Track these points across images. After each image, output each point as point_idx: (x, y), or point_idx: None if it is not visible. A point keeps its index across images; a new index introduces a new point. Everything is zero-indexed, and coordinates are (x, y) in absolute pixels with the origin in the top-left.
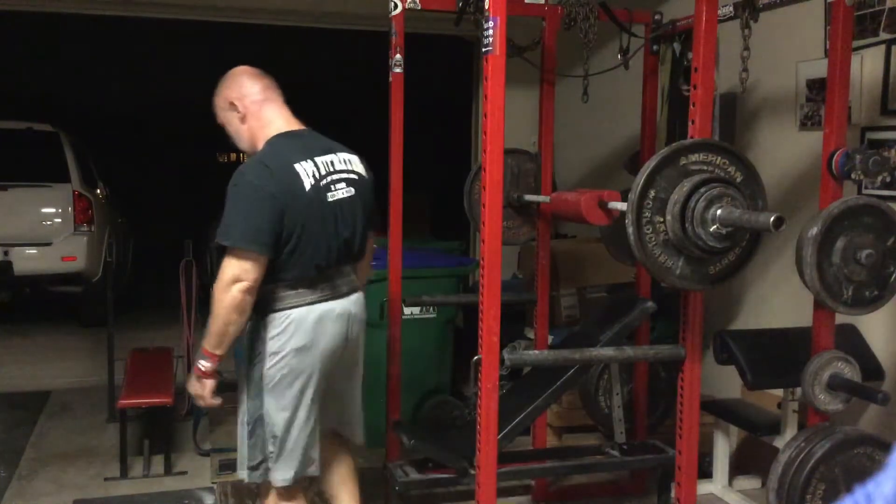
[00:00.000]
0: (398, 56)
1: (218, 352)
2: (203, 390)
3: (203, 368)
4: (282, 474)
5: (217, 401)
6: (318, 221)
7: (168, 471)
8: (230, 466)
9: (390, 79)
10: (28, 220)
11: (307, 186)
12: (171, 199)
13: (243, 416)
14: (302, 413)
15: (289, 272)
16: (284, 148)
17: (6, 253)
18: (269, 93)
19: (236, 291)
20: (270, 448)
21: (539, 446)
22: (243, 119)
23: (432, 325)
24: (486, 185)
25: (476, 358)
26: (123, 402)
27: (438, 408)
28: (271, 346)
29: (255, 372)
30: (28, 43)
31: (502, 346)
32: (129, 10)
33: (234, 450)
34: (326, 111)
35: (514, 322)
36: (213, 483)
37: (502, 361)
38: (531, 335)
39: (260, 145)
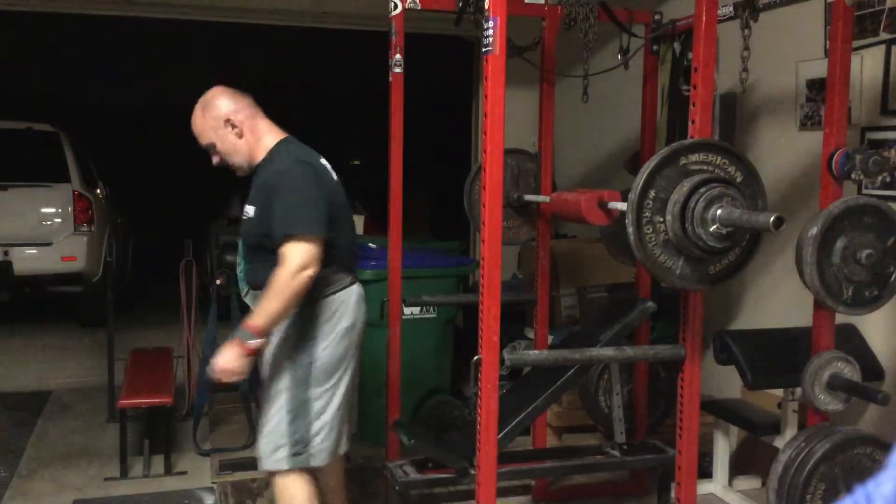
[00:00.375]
0: (398, 56)
1: (266, 333)
2: (244, 367)
3: (252, 346)
4: (323, 454)
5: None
6: (344, 210)
7: (168, 471)
8: (230, 466)
9: (390, 79)
10: (28, 220)
11: (335, 178)
12: (171, 199)
13: (284, 404)
14: (343, 391)
15: (332, 258)
16: (302, 149)
17: (6, 253)
18: (255, 107)
19: (305, 277)
20: (315, 430)
21: (539, 446)
22: (240, 134)
23: (432, 325)
24: (486, 185)
25: (476, 358)
26: (123, 402)
27: (438, 408)
28: (325, 329)
29: (304, 358)
30: (28, 43)
31: (502, 346)
32: (129, 10)
33: (235, 450)
34: (326, 111)
35: (514, 322)
36: (213, 483)
37: (502, 361)
38: (531, 335)
39: (258, 157)
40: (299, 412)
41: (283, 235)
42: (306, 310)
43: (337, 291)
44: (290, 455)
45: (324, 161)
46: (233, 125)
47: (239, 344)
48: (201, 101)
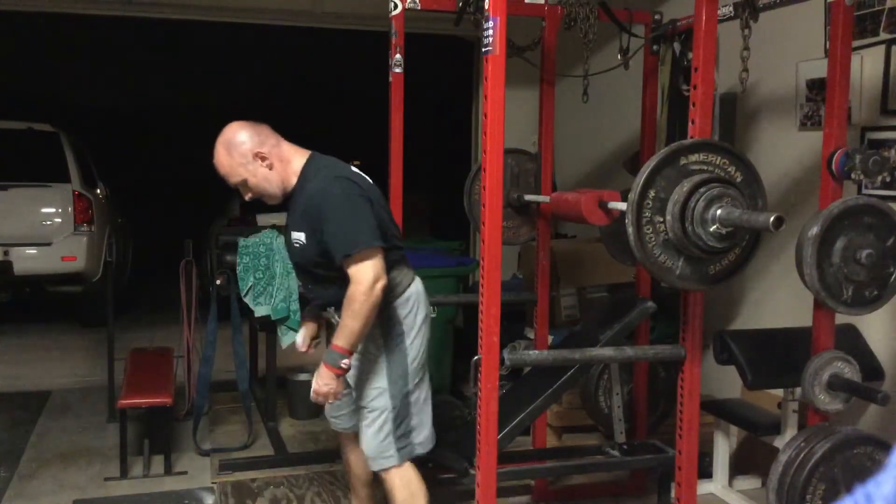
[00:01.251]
0: (398, 56)
1: (353, 351)
2: (339, 387)
3: (344, 366)
4: (425, 442)
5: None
6: (386, 209)
7: (168, 471)
8: (230, 466)
9: (390, 79)
10: (28, 220)
11: (369, 181)
12: (171, 199)
13: (387, 403)
14: (428, 378)
15: (392, 259)
16: (329, 162)
17: (6, 253)
18: (275, 133)
19: (378, 291)
20: (416, 421)
21: (539, 446)
22: (271, 166)
23: (432, 325)
24: (486, 185)
25: (476, 358)
26: (123, 402)
27: (438, 408)
28: (408, 323)
29: (398, 354)
30: (28, 43)
31: (502, 346)
32: (129, 10)
33: (235, 449)
34: (326, 111)
35: (514, 322)
36: (213, 483)
37: (502, 361)
38: (531, 335)
39: (291, 183)
40: (401, 408)
41: (345, 256)
42: (386, 311)
43: (408, 287)
44: (397, 451)
45: (353, 168)
46: (262, 158)
47: (331, 367)
48: (222, 141)
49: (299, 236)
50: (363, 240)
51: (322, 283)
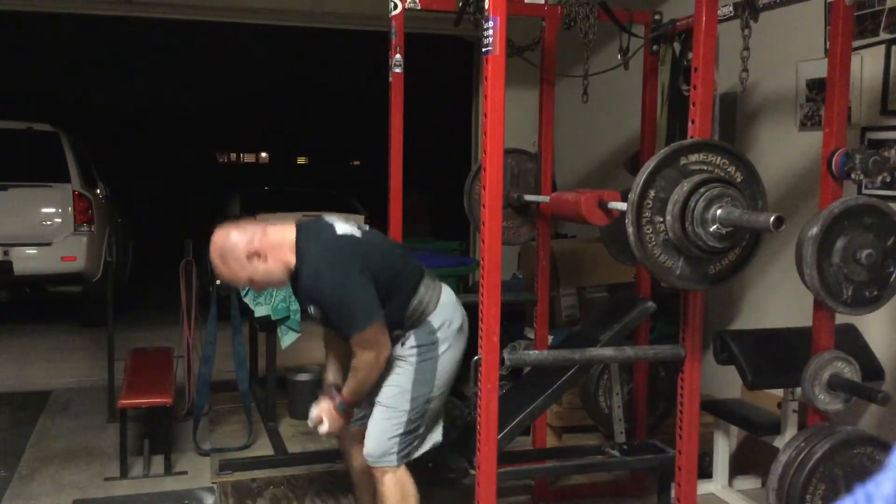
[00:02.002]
0: (398, 56)
1: (358, 403)
2: (341, 425)
3: (350, 413)
4: (426, 444)
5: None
6: (384, 249)
7: (168, 471)
8: (230, 466)
9: (390, 79)
10: (28, 220)
11: (358, 233)
12: (171, 199)
13: (404, 405)
14: (449, 390)
15: (408, 284)
16: (315, 231)
17: (6, 253)
18: (258, 222)
19: (382, 361)
20: (424, 427)
21: (539, 446)
22: (266, 258)
23: None
24: (486, 185)
25: (476, 358)
26: (123, 402)
27: None
28: (442, 334)
29: (429, 362)
30: (28, 43)
31: (502, 346)
32: (129, 10)
33: (235, 449)
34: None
35: (514, 322)
36: (213, 483)
37: (502, 361)
38: (531, 335)
39: (292, 262)
40: (417, 415)
41: (350, 335)
42: (421, 323)
43: (438, 300)
44: (398, 453)
45: (340, 228)
46: (256, 254)
47: (336, 412)
48: (215, 251)
49: (313, 309)
50: (360, 322)
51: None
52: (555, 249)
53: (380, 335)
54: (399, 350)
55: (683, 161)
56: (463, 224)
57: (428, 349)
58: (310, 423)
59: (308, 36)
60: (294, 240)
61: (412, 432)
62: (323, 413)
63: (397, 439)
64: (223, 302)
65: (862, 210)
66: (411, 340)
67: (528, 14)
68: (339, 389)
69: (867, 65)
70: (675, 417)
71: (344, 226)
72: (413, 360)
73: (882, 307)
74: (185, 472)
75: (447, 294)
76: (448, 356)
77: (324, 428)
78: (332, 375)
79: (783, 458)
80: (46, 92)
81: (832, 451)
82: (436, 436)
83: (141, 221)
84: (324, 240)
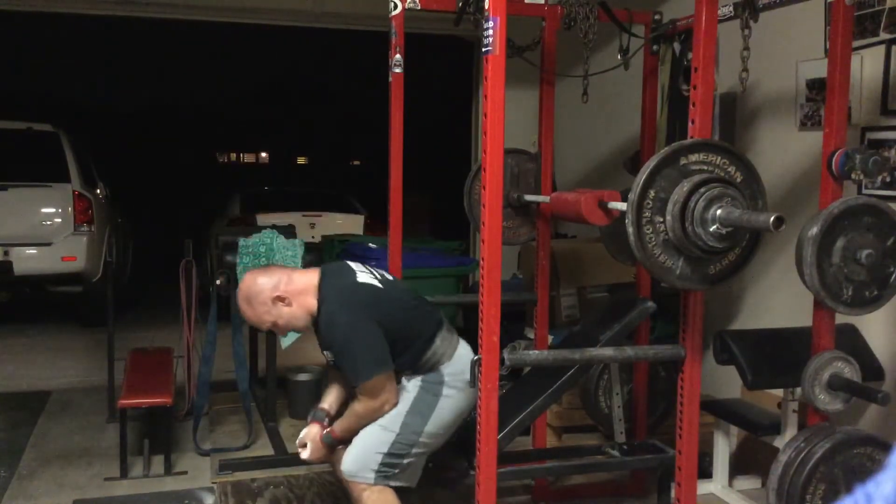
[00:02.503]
0: (398, 56)
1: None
2: (318, 454)
3: (330, 446)
4: (411, 478)
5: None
6: (402, 301)
7: (168, 471)
8: (230, 466)
9: (390, 79)
10: (28, 220)
11: (378, 284)
12: (171, 199)
13: (394, 425)
14: (447, 438)
15: (423, 336)
16: (336, 276)
17: (6, 253)
18: (284, 268)
19: (386, 409)
20: (406, 462)
21: (539, 446)
22: (291, 303)
23: None
24: (486, 185)
25: (476, 358)
26: (123, 402)
27: None
28: (448, 380)
29: (431, 397)
30: (28, 43)
31: (502, 346)
32: (129, 10)
33: (235, 450)
34: (326, 111)
35: (514, 322)
36: (213, 483)
37: (502, 361)
38: (531, 335)
39: (314, 307)
40: (404, 442)
41: (355, 383)
42: (429, 376)
43: (453, 354)
44: (376, 472)
45: (361, 276)
46: (281, 299)
47: (321, 442)
48: (242, 297)
49: (328, 355)
50: (367, 372)
51: None
52: (555, 249)
53: (385, 385)
54: (404, 381)
55: (683, 161)
56: (463, 224)
57: (432, 386)
58: (297, 442)
59: (308, 36)
60: (317, 285)
61: (396, 456)
62: (308, 439)
63: (380, 457)
64: (223, 302)
65: (862, 210)
66: (418, 377)
67: (528, 14)
68: (330, 420)
69: (867, 65)
70: (675, 417)
71: (365, 274)
72: (415, 390)
73: (882, 307)
74: (185, 472)
75: (464, 347)
76: (451, 402)
77: (305, 454)
78: (328, 403)
79: (783, 458)
80: (46, 92)
81: (832, 451)
82: (411, 479)
83: (141, 221)
84: (342, 285)
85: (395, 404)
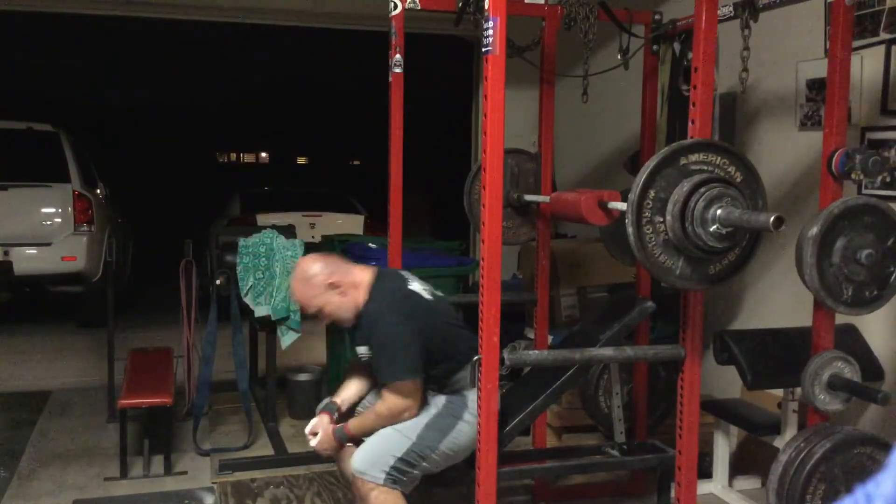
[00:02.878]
0: (398, 56)
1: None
2: (334, 448)
3: (342, 441)
4: (415, 483)
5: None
6: (443, 321)
7: (168, 471)
8: (230, 466)
9: (390, 79)
10: (28, 220)
11: (429, 297)
12: (170, 199)
13: (411, 433)
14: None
15: (457, 358)
16: (390, 279)
17: (6, 253)
18: (345, 262)
19: (405, 416)
20: (416, 472)
21: (539, 446)
22: (344, 293)
23: None
24: (486, 185)
25: (476, 358)
26: (123, 402)
27: None
28: (472, 407)
29: (451, 419)
30: (28, 43)
31: (502, 346)
32: (129, 10)
33: (235, 450)
34: (326, 111)
35: (514, 322)
36: (213, 483)
37: (502, 361)
38: (531, 335)
39: (361, 302)
40: (419, 451)
41: (388, 380)
42: (457, 395)
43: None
44: (386, 473)
45: (414, 285)
46: (335, 286)
47: (334, 435)
48: (298, 276)
49: (363, 350)
50: (399, 373)
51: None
52: (555, 249)
53: (415, 391)
54: (429, 397)
55: (683, 161)
56: (463, 224)
57: (455, 408)
58: (306, 430)
59: (308, 36)
60: (370, 283)
61: (407, 464)
62: (320, 429)
63: (393, 460)
64: (223, 302)
65: (862, 210)
66: (443, 396)
67: (528, 14)
68: (340, 416)
69: (867, 65)
70: (675, 417)
71: (418, 284)
72: (437, 408)
73: (882, 307)
74: (185, 472)
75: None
76: (468, 428)
77: (314, 442)
78: (340, 399)
79: (783, 458)
80: (46, 92)
81: (832, 451)
82: (407, 489)
83: (141, 221)
84: (394, 288)
85: (415, 415)
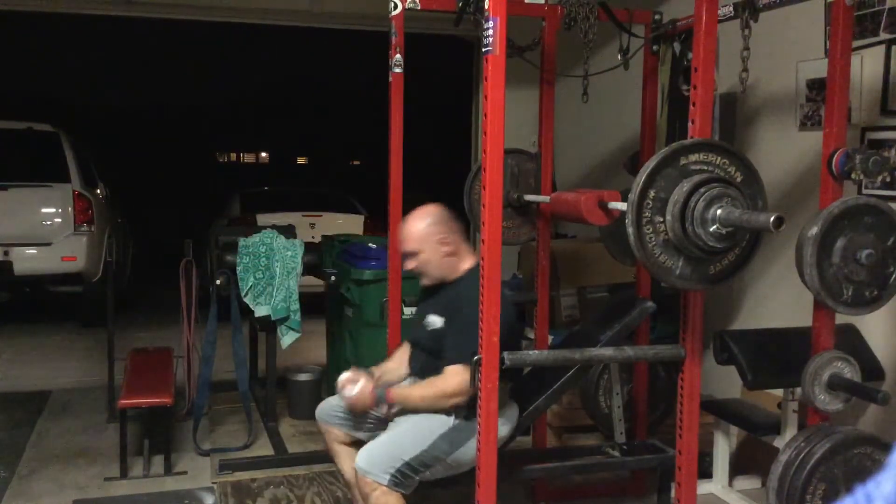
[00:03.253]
0: (398, 56)
1: (395, 407)
2: (366, 407)
3: (381, 406)
4: (415, 485)
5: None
6: (515, 332)
7: (168, 471)
8: (230, 466)
9: (390, 79)
10: (28, 220)
11: (509, 302)
12: (170, 199)
13: (422, 439)
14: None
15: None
16: None
17: (6, 253)
18: (463, 231)
19: (454, 401)
20: (419, 478)
21: (539, 446)
22: (449, 254)
23: None
24: (486, 185)
25: (476, 358)
26: (123, 402)
27: None
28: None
29: (461, 434)
30: (28, 43)
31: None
32: (129, 10)
33: (235, 450)
34: (326, 111)
35: (515, 322)
36: (213, 483)
37: (502, 361)
38: (531, 335)
39: (451, 276)
40: (426, 458)
41: (450, 360)
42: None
43: (504, 403)
44: (391, 475)
45: (505, 291)
46: (445, 244)
47: (373, 394)
48: (422, 213)
49: (436, 320)
50: (466, 357)
51: (425, 372)
52: (555, 249)
53: (468, 380)
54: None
55: (683, 161)
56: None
57: (473, 427)
58: (339, 379)
59: (308, 36)
60: (469, 269)
61: (413, 469)
62: (360, 382)
63: (400, 463)
64: (223, 302)
65: (862, 210)
66: (457, 410)
67: (528, 14)
68: (383, 385)
69: (867, 65)
70: (675, 417)
71: (509, 293)
72: (455, 419)
73: (882, 307)
74: (185, 472)
75: (512, 408)
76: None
77: (349, 391)
78: (381, 369)
79: (783, 458)
80: (46, 92)
81: (832, 451)
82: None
83: (141, 221)
84: None
85: (463, 405)
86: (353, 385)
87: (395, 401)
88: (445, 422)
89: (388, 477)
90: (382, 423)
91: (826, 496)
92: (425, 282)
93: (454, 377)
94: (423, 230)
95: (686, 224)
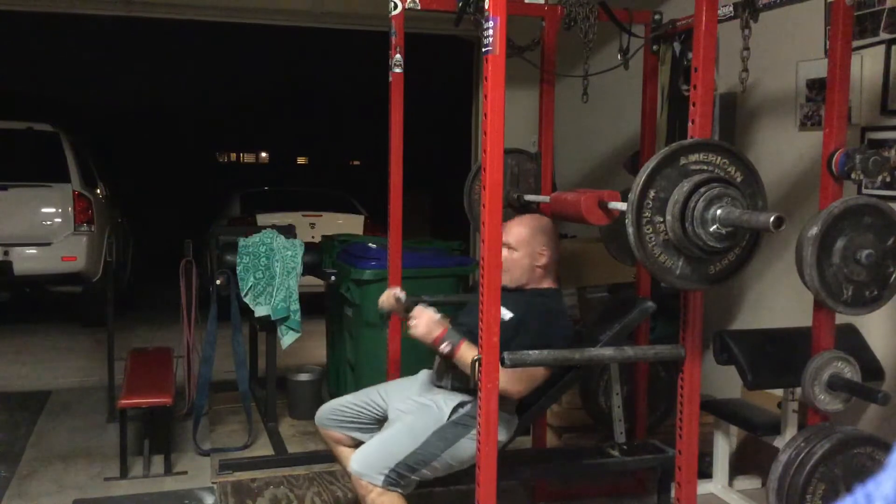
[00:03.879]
0: (398, 56)
1: (453, 356)
2: (428, 335)
3: (442, 344)
4: (412, 487)
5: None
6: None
7: (168, 471)
8: (230, 466)
9: (390, 79)
10: (28, 220)
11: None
12: (170, 199)
13: (416, 438)
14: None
15: None
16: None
17: (6, 253)
18: (559, 253)
19: (511, 389)
20: (415, 478)
21: (539, 446)
22: (542, 266)
23: None
24: (486, 185)
25: (476, 358)
26: (123, 402)
27: None
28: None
29: (458, 429)
30: (28, 43)
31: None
32: (129, 10)
33: (235, 450)
34: (327, 111)
35: None
36: (213, 483)
37: (502, 361)
38: None
39: (527, 285)
40: (421, 457)
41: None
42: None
43: (509, 409)
44: (385, 476)
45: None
46: (542, 255)
47: (442, 330)
48: (538, 219)
49: (505, 313)
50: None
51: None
52: None
53: (529, 381)
54: (448, 396)
55: (683, 161)
56: (463, 224)
57: (469, 419)
58: (381, 298)
59: (308, 36)
60: (546, 288)
61: (408, 469)
62: (427, 314)
63: (392, 463)
64: (223, 302)
65: (862, 210)
66: (467, 407)
67: (528, 14)
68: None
69: (867, 65)
70: (675, 417)
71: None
72: (449, 415)
73: (882, 307)
74: (185, 472)
75: (513, 418)
76: (474, 445)
77: (415, 325)
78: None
79: (783, 458)
80: (46, 92)
81: (832, 451)
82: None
83: (141, 221)
84: (565, 313)
85: (516, 398)
86: (417, 318)
87: (458, 353)
88: (438, 420)
89: (382, 478)
90: (380, 425)
91: (826, 496)
92: (505, 281)
93: (513, 373)
94: (530, 233)
95: (686, 224)
